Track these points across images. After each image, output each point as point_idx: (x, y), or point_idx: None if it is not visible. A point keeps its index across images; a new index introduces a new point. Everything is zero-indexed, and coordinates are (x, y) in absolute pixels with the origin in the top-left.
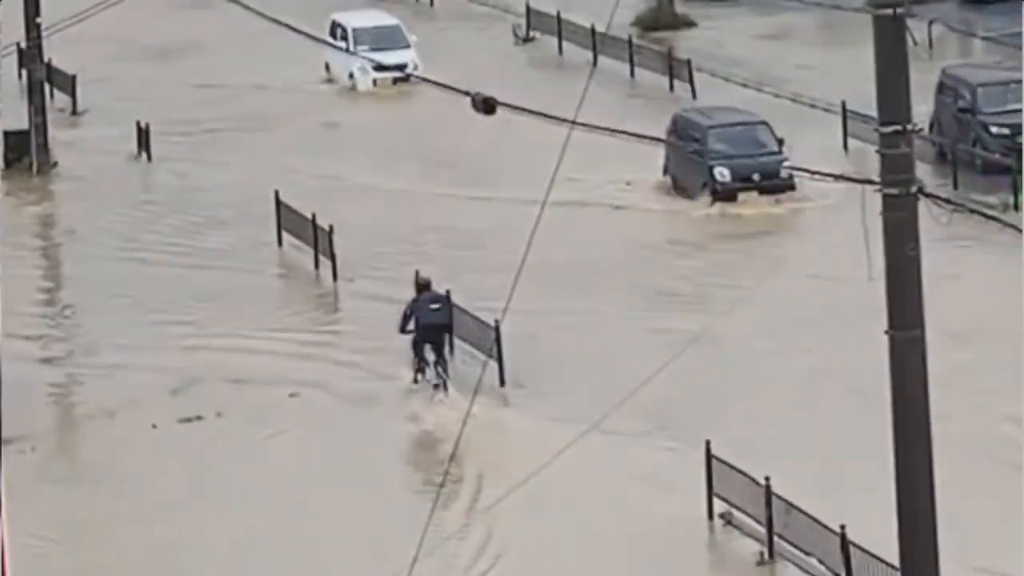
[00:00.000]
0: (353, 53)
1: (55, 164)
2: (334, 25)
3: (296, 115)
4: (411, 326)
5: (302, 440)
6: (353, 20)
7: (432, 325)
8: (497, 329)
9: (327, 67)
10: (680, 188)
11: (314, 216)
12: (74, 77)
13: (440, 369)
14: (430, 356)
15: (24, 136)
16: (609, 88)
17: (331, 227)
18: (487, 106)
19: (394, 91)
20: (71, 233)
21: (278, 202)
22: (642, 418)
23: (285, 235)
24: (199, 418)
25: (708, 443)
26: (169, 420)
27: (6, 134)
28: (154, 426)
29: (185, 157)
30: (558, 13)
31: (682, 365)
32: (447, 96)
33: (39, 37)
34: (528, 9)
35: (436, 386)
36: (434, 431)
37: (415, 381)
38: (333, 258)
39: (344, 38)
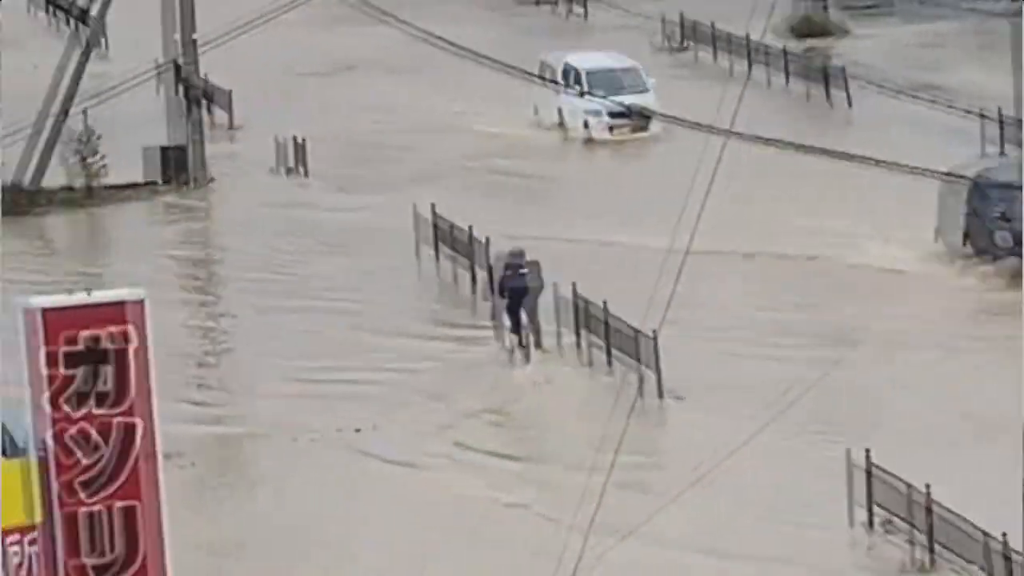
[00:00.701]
0: (583, 92)
1: (212, 179)
2: (565, 69)
3: (484, 159)
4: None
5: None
6: (583, 62)
7: (519, 288)
8: (655, 340)
9: (536, 110)
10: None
11: (471, 228)
12: (230, 93)
13: (529, 332)
14: (522, 318)
15: (182, 152)
16: (762, 98)
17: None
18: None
19: (629, 139)
20: (225, 250)
21: (435, 214)
22: (798, 424)
23: (438, 255)
24: (357, 430)
25: (868, 451)
26: (320, 437)
27: (164, 150)
28: (311, 440)
29: (341, 176)
30: (712, 24)
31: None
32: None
33: (196, 53)
34: (682, 19)
35: (524, 347)
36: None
37: (509, 337)
38: (488, 271)
39: (577, 81)
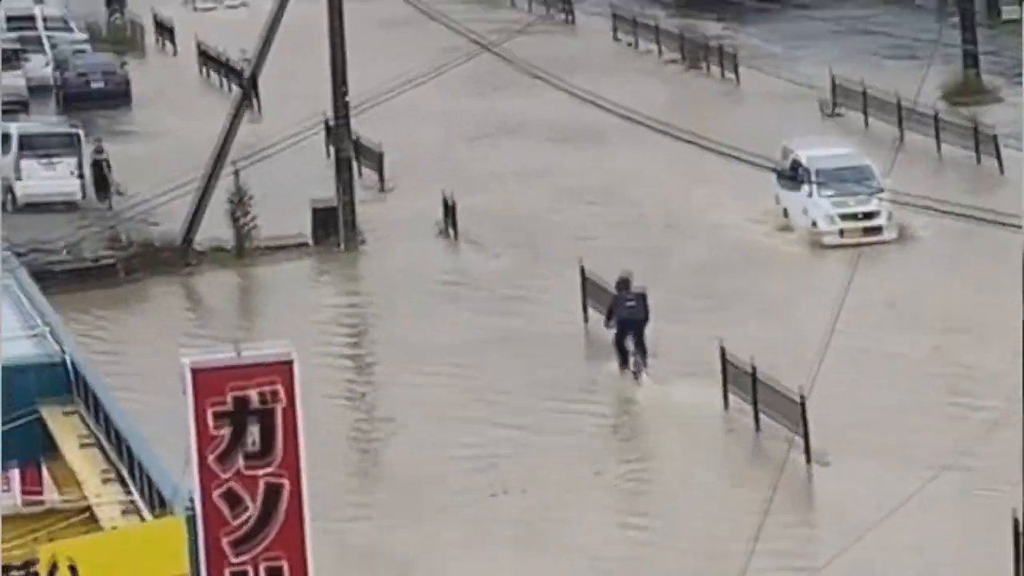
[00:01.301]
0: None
1: (363, 240)
2: (792, 162)
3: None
4: (612, 321)
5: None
6: (811, 156)
7: (628, 320)
8: (803, 404)
9: (777, 199)
10: None
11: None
12: (381, 154)
13: (638, 358)
14: (629, 346)
15: (332, 212)
16: (922, 163)
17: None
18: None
19: (862, 242)
20: (373, 312)
21: (583, 274)
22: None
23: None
24: (504, 493)
25: None
26: (477, 494)
27: (315, 210)
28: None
29: (494, 241)
30: (863, 88)
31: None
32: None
33: (347, 113)
34: (833, 83)
35: (635, 374)
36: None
37: (622, 369)
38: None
39: (807, 179)
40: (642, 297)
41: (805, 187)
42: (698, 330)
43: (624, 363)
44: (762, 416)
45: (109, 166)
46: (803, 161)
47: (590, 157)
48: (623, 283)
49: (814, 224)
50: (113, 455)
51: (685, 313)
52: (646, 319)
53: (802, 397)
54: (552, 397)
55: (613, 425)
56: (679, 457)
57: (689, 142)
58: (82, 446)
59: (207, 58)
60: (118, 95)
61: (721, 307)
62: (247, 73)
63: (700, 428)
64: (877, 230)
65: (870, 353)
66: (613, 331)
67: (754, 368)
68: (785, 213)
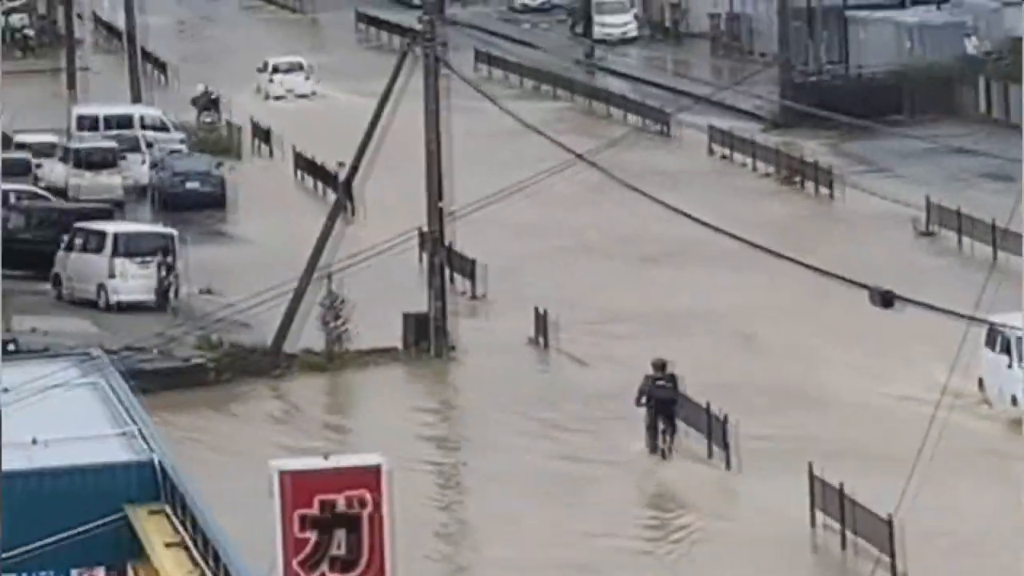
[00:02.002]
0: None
1: (453, 348)
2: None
3: None
4: (644, 400)
5: None
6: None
7: (659, 399)
8: (890, 524)
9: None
10: None
11: (708, 404)
12: (474, 262)
13: (667, 436)
14: (660, 426)
15: (424, 319)
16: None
17: (725, 416)
18: (885, 299)
19: None
20: (463, 420)
21: (674, 380)
22: None
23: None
24: None
25: None
26: None
27: (406, 316)
28: None
29: (585, 354)
30: (958, 208)
31: None
32: None
33: (441, 221)
34: (928, 202)
35: (664, 452)
36: None
37: (651, 450)
38: (726, 447)
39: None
40: (673, 378)
41: (1004, 356)
42: None
43: (654, 445)
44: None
45: (171, 269)
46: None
47: (684, 274)
48: (658, 366)
49: (1014, 401)
50: (199, 557)
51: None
52: (676, 400)
53: (890, 516)
54: (643, 509)
55: (705, 539)
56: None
57: (794, 262)
58: (168, 547)
59: (303, 162)
60: (214, 197)
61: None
62: (343, 178)
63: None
64: None
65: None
66: (644, 411)
67: (842, 486)
68: (980, 384)
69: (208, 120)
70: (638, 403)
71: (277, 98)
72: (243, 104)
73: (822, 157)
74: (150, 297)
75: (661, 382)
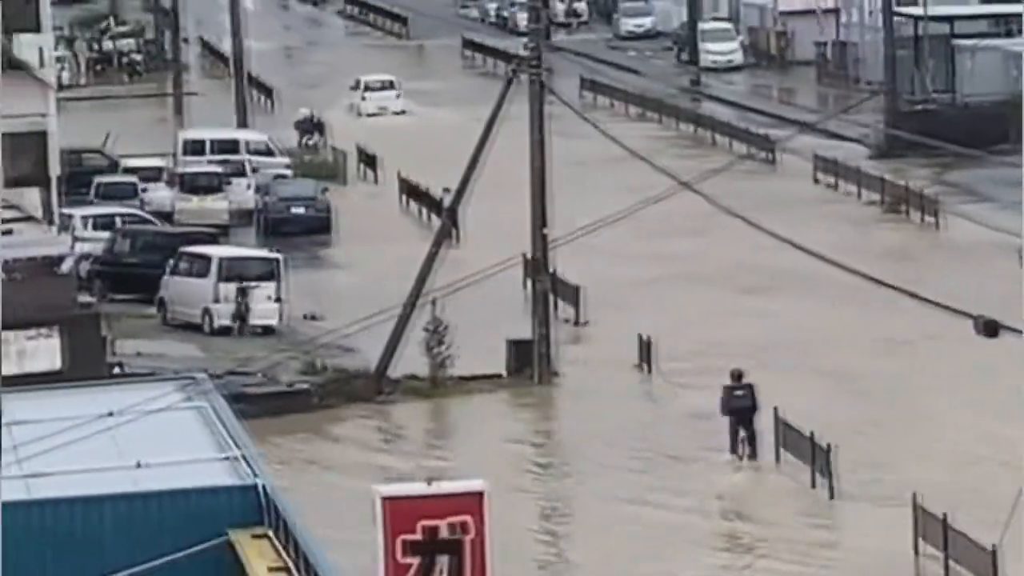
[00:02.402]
0: None
1: (556, 374)
2: None
3: None
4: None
5: None
6: None
7: (738, 408)
8: (994, 554)
9: None
10: None
11: (812, 433)
12: (578, 288)
13: (748, 444)
14: (741, 434)
15: (527, 346)
16: None
17: (828, 445)
18: (989, 328)
19: None
20: (566, 447)
21: (751, 389)
22: None
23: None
24: None
25: None
26: None
27: (510, 343)
28: None
29: (691, 380)
30: None
31: None
32: None
33: (545, 248)
34: None
35: (742, 457)
36: None
37: (733, 453)
38: (829, 476)
39: None
40: (750, 387)
41: None
42: None
43: (734, 450)
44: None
45: (244, 293)
46: None
47: (787, 304)
48: (736, 375)
49: None
50: None
51: None
52: (755, 408)
53: (993, 546)
54: (745, 539)
55: (800, 555)
56: None
57: (899, 291)
58: (271, 571)
59: (408, 187)
60: (319, 222)
61: None
62: (447, 204)
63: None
64: None
65: None
66: (727, 420)
67: (945, 516)
68: None
69: (311, 143)
70: (723, 413)
71: (369, 115)
72: (337, 121)
73: (927, 186)
74: (270, 320)
75: (739, 392)
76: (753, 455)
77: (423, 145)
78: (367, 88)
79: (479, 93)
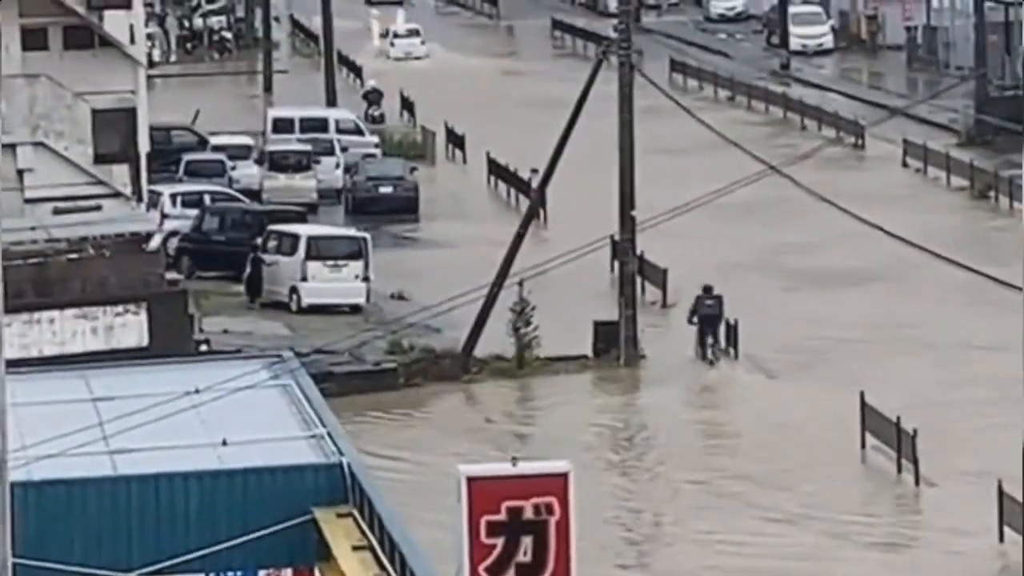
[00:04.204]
0: None
1: (643, 356)
2: None
3: None
4: (695, 319)
5: None
6: None
7: (706, 316)
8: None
9: None
10: None
11: (898, 419)
12: (665, 271)
13: (713, 349)
14: (710, 340)
15: (614, 327)
16: None
17: (915, 431)
18: None
19: None
20: (651, 430)
21: (863, 403)
22: None
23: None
24: None
25: None
26: None
27: (596, 324)
28: None
29: (774, 362)
30: None
31: None
32: None
33: (633, 230)
34: None
35: (711, 362)
36: None
37: (702, 359)
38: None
39: None
40: (719, 299)
41: None
42: None
43: (704, 354)
44: None
45: (262, 263)
46: None
47: (879, 290)
48: (707, 289)
49: None
50: (386, 560)
51: None
52: (721, 317)
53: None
54: (826, 515)
55: (885, 544)
56: None
57: (991, 279)
58: (355, 549)
59: (496, 168)
60: (406, 201)
61: None
62: (535, 185)
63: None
64: None
65: None
66: (695, 327)
67: None
68: None
69: (377, 114)
70: (690, 321)
71: (397, 59)
72: (368, 65)
73: (1017, 172)
74: (357, 299)
75: (708, 302)
76: (718, 355)
77: (438, 79)
78: (395, 36)
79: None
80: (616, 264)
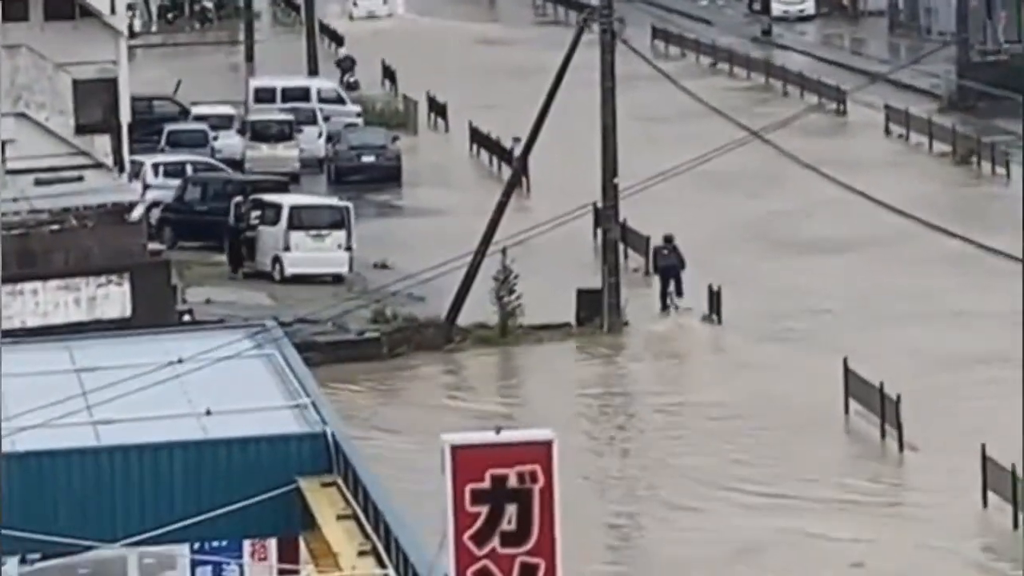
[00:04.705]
0: None
1: (626, 323)
2: None
3: None
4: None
5: None
6: None
7: (664, 267)
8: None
9: None
10: None
11: (882, 385)
12: (648, 239)
13: (671, 299)
14: (671, 288)
15: (597, 295)
16: None
17: (898, 396)
18: None
19: None
20: (634, 397)
21: (846, 369)
22: None
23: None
24: None
25: None
26: None
27: (579, 292)
28: None
29: (761, 328)
30: None
31: None
32: None
33: (616, 198)
34: None
35: (666, 309)
36: None
37: (663, 309)
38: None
39: None
40: (675, 248)
41: None
42: None
43: (664, 306)
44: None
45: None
46: None
47: (862, 257)
48: (666, 239)
49: None
50: (370, 529)
51: None
52: (681, 265)
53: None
54: (815, 482)
55: (865, 508)
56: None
57: (979, 246)
58: (339, 518)
59: (478, 137)
60: (389, 171)
61: None
62: (517, 153)
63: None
64: None
65: None
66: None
67: (1013, 467)
68: None
69: (352, 81)
70: (650, 272)
71: (359, 19)
72: (334, 23)
73: (997, 136)
74: (340, 269)
75: (665, 251)
76: (676, 305)
77: (397, 38)
78: None
79: (550, 41)
80: (599, 232)
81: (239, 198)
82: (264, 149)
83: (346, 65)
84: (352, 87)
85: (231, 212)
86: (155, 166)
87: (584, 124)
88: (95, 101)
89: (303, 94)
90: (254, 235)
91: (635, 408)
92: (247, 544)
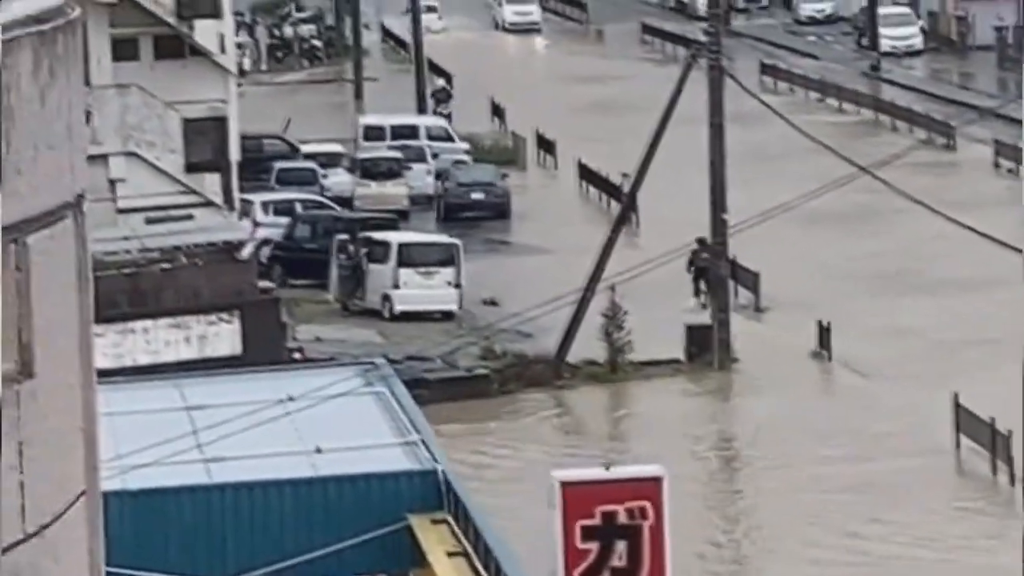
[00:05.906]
0: None
1: (735, 360)
2: None
3: None
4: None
5: None
6: None
7: (700, 268)
8: None
9: None
10: None
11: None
12: (757, 274)
13: (704, 297)
14: (702, 288)
15: (707, 331)
16: None
17: (1009, 431)
18: None
19: None
20: (746, 436)
21: (957, 406)
22: None
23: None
24: None
25: None
26: None
27: (689, 328)
28: None
29: (869, 362)
30: None
31: None
32: None
33: (724, 233)
34: None
35: (704, 306)
36: None
37: (697, 304)
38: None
39: None
40: (714, 251)
41: None
42: None
43: (698, 302)
44: None
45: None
46: None
47: (977, 297)
48: (701, 241)
49: None
50: (480, 566)
51: None
52: (712, 268)
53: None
54: (920, 519)
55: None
56: None
57: None
58: (450, 555)
59: (586, 173)
60: (498, 207)
61: None
62: (626, 189)
63: None
64: None
65: None
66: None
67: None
68: None
69: (445, 112)
70: (688, 270)
71: (433, 32)
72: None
73: None
74: (449, 306)
75: (703, 255)
76: (708, 303)
77: (457, 51)
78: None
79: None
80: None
81: (344, 235)
82: (373, 186)
83: (441, 96)
84: (446, 117)
85: (333, 249)
86: (265, 204)
87: (692, 160)
88: (205, 140)
89: (412, 131)
90: (356, 272)
91: (747, 446)
92: None
